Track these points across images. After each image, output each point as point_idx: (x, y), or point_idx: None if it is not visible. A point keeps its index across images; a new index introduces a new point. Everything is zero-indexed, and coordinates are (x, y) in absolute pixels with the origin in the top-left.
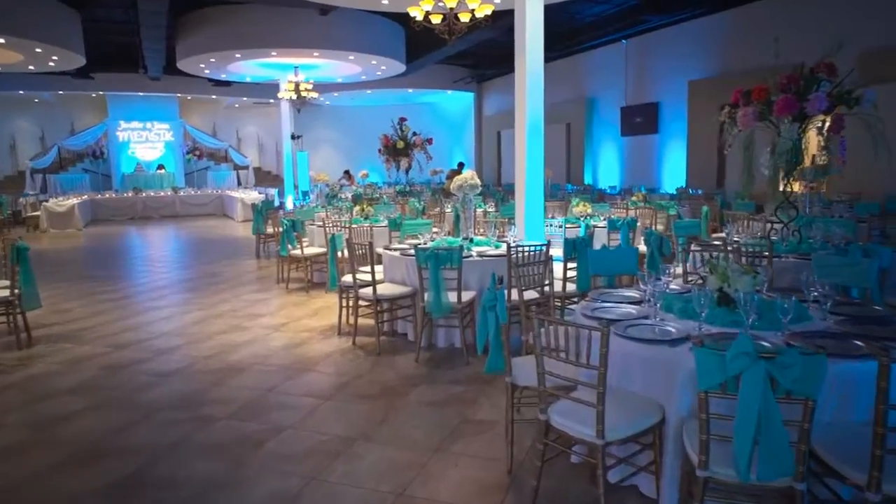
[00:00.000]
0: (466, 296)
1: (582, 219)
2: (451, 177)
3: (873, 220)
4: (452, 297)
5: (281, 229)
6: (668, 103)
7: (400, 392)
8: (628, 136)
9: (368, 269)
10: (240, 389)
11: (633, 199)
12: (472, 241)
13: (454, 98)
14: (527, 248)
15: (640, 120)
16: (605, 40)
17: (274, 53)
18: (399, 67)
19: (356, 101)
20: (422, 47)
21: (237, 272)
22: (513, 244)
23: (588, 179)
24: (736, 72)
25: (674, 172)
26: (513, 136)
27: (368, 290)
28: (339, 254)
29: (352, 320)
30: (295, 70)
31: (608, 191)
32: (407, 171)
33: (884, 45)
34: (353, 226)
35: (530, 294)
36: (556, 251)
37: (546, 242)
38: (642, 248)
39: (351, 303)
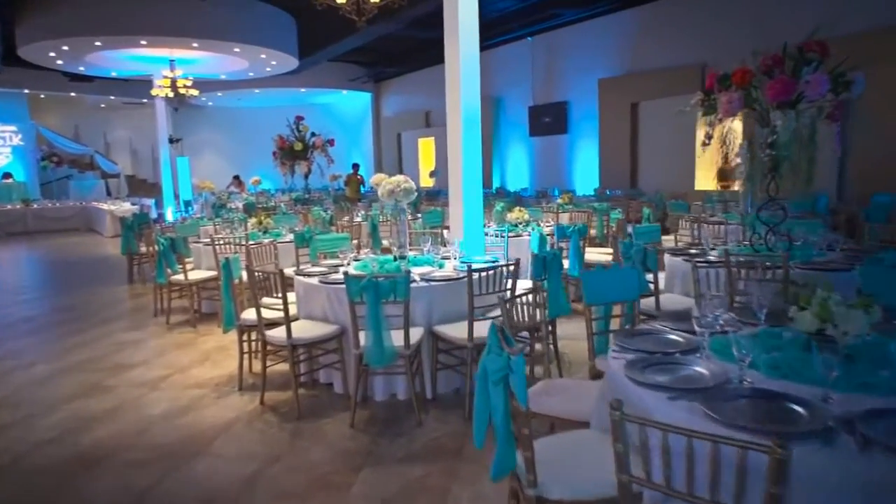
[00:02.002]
0: (415, 334)
1: (520, 226)
2: (348, 182)
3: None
4: (396, 338)
5: (157, 249)
6: (577, 102)
7: (337, 483)
8: (537, 137)
9: (278, 301)
10: (93, 499)
11: (560, 201)
12: (408, 259)
13: (350, 98)
14: (487, 268)
15: (549, 120)
16: (511, 37)
17: (143, 43)
18: (291, 63)
19: (243, 102)
20: (315, 42)
21: (102, 303)
22: (459, 261)
23: (496, 182)
24: (648, 69)
25: (586, 173)
26: (414, 138)
27: (279, 332)
28: (237, 280)
29: (256, 367)
30: (170, 64)
31: (521, 193)
32: (306, 177)
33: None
34: (251, 243)
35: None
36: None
37: (514, 261)
38: (590, 257)
39: (255, 346)
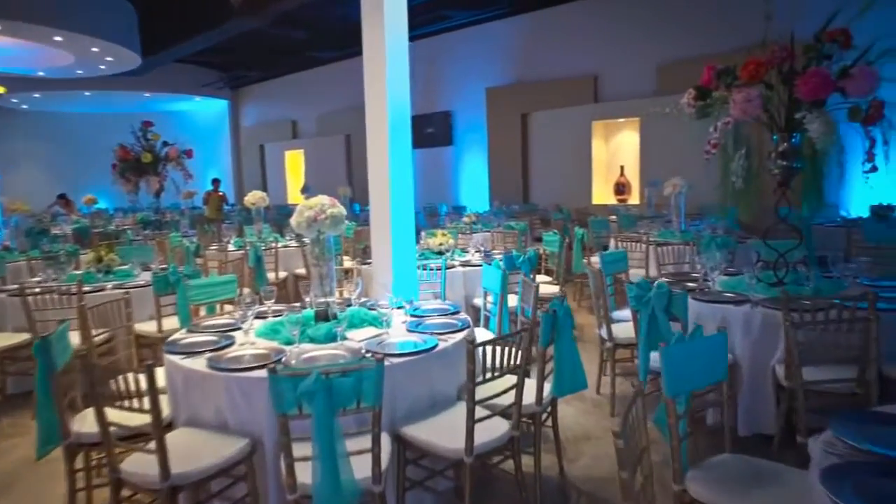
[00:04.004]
0: (384, 452)
1: (448, 254)
2: (207, 200)
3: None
4: (358, 467)
5: None
6: (462, 112)
7: None
8: (419, 149)
9: (143, 402)
10: None
11: (465, 220)
12: (338, 318)
13: (204, 106)
14: (495, 339)
15: (433, 130)
16: None
17: None
18: (132, 60)
19: (70, 107)
20: (160, 39)
21: None
22: (409, 314)
23: None
24: (538, 79)
25: (473, 187)
26: (279, 150)
27: (145, 463)
28: (63, 368)
29: (98, 499)
30: None
31: None
32: (157, 195)
33: (678, 58)
34: (88, 289)
35: (492, 429)
36: (442, 314)
37: (529, 322)
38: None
39: (97, 473)
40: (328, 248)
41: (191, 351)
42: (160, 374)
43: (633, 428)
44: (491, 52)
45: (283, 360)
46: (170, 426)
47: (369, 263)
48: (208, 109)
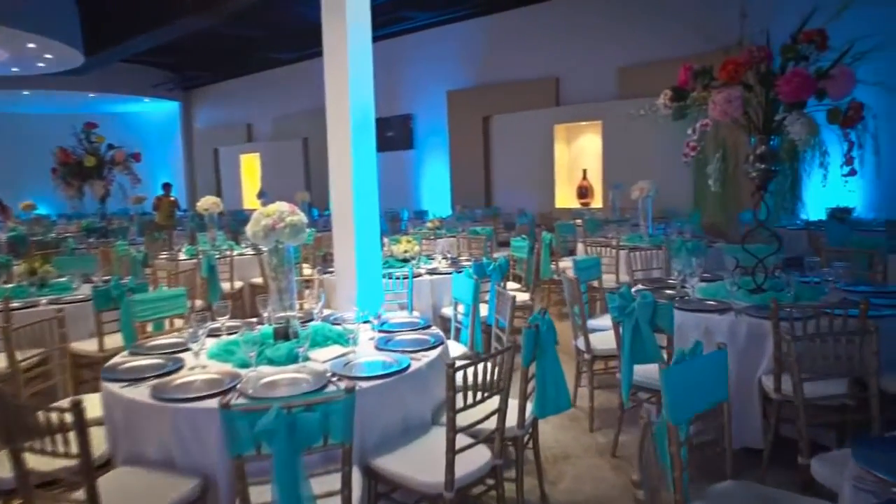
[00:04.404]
0: (354, 492)
1: (413, 262)
2: (158, 205)
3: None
4: None
5: None
6: (423, 115)
7: None
8: (379, 153)
9: (69, 444)
10: None
11: (429, 225)
12: (300, 337)
13: (154, 108)
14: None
15: (393, 134)
16: None
17: None
18: (74, 59)
19: (7, 106)
20: (105, 36)
21: None
22: (376, 330)
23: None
24: (500, 82)
25: (435, 191)
26: (234, 154)
27: None
28: None
29: None
30: None
31: None
32: (102, 200)
33: (639, 62)
34: (17, 304)
35: (472, 459)
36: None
37: (506, 334)
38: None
39: None
40: (287, 258)
41: (132, 378)
42: (95, 404)
43: (645, 466)
44: (452, 55)
45: (239, 386)
46: (107, 465)
47: (331, 272)
48: (159, 111)
